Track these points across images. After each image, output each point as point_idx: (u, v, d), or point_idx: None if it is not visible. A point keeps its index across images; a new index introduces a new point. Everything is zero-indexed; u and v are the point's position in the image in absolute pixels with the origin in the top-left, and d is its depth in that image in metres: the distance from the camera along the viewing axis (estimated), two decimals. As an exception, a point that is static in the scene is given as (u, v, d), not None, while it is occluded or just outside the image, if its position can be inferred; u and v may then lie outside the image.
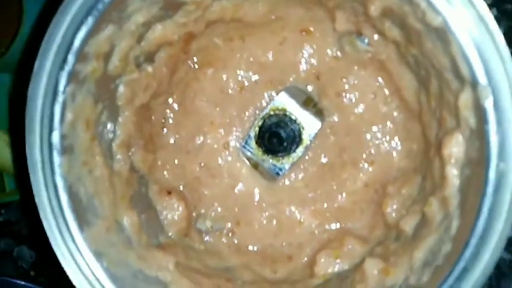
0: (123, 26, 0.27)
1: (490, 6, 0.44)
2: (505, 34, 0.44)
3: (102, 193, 0.28)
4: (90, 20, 0.24)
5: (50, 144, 0.26)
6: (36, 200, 0.26)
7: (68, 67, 0.25)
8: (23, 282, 0.44)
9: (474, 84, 0.23)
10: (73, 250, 0.26)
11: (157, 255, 0.30)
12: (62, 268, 0.26)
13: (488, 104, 0.23)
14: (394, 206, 0.32)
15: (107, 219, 0.28)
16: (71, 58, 0.25)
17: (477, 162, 0.24)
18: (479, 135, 0.24)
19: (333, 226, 0.35)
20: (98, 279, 0.26)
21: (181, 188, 0.35)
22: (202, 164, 0.36)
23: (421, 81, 0.31)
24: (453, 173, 0.25)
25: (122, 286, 0.27)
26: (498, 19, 0.44)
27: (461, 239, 0.24)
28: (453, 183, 0.26)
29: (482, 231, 0.23)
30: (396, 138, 0.34)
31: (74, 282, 0.26)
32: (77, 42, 0.25)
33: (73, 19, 0.24)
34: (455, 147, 0.25)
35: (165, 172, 0.35)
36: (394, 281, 0.27)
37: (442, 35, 0.24)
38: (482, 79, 0.23)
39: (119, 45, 0.28)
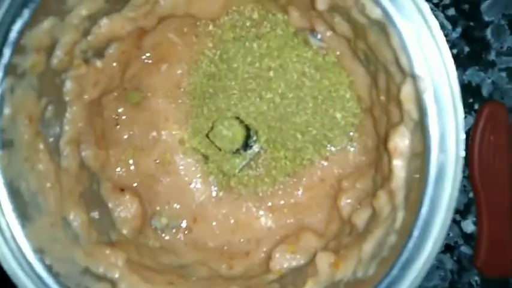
0: (65, 18, 0.26)
1: (449, 5, 0.45)
2: (462, 33, 0.45)
3: (47, 189, 0.28)
4: (25, 12, 0.24)
5: (-13, 139, 0.25)
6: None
7: (3, 60, 0.24)
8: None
9: (414, 76, 0.24)
10: (13, 248, 0.25)
11: (106, 252, 0.29)
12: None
13: (428, 96, 0.23)
14: (349, 200, 0.32)
15: (51, 215, 0.27)
16: (6, 51, 0.24)
17: (421, 155, 0.24)
18: (422, 127, 0.24)
19: (290, 221, 0.35)
20: (39, 278, 0.25)
21: (135, 185, 0.35)
22: (157, 161, 0.35)
23: (372, 76, 0.31)
24: (399, 166, 0.26)
25: (66, 284, 0.26)
26: (456, 18, 0.45)
27: (405, 230, 0.24)
28: (399, 177, 0.26)
29: (424, 222, 0.23)
30: (351, 134, 0.34)
31: (15, 282, 0.25)
32: (12, 35, 0.24)
33: (7, 11, 0.24)
34: (400, 140, 0.25)
35: (118, 169, 0.34)
36: (344, 274, 0.27)
37: (383, 27, 0.24)
38: (421, 72, 0.23)
39: (62, 38, 0.27)
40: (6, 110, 0.25)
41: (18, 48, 0.24)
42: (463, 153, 0.23)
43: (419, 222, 0.23)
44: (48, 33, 0.26)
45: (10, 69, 0.25)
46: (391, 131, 0.26)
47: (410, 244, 0.23)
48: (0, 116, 0.25)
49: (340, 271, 0.27)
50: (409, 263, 0.23)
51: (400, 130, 0.25)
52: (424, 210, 0.23)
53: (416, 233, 0.23)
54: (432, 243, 0.23)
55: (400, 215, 0.25)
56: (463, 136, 0.23)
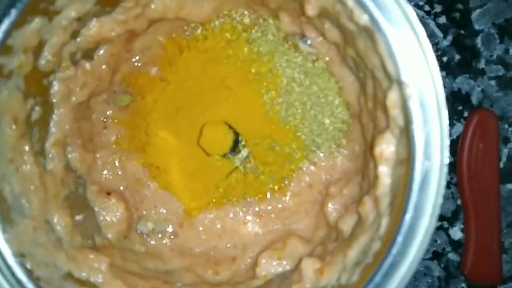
0: (53, 20, 0.26)
1: (440, 14, 0.45)
2: (453, 41, 0.45)
3: (31, 192, 0.27)
4: (13, 12, 0.24)
5: (-30, 140, 0.25)
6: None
7: (-11, 60, 0.24)
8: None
9: (400, 83, 0.24)
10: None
11: (89, 257, 0.29)
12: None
13: (413, 103, 0.23)
14: (336, 206, 0.32)
15: (34, 219, 0.27)
16: (-8, 51, 0.24)
17: (406, 161, 0.24)
18: (407, 134, 0.24)
19: (277, 227, 0.35)
20: (19, 282, 0.25)
21: (121, 189, 0.34)
22: (145, 165, 0.35)
23: (360, 83, 0.31)
24: (384, 172, 0.25)
25: (48, 288, 0.26)
26: (447, 26, 0.45)
27: (389, 236, 0.24)
28: (385, 183, 0.26)
29: (408, 229, 0.23)
30: (340, 140, 0.34)
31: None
32: (-1, 35, 0.24)
33: (-6, 10, 0.24)
34: (386, 147, 0.25)
35: (105, 172, 0.34)
36: (328, 280, 0.27)
37: (371, 34, 0.24)
38: (407, 78, 0.23)
39: (51, 39, 0.27)
40: (-10, 111, 0.25)
41: (5, 48, 0.24)
42: (447, 160, 0.23)
43: (403, 229, 0.23)
44: (36, 33, 0.26)
45: (-5, 69, 0.24)
46: (377, 137, 0.26)
47: (394, 250, 0.23)
48: (-15, 117, 0.25)
49: (325, 278, 0.27)
50: (392, 268, 0.23)
51: (386, 136, 0.25)
52: (408, 216, 0.23)
53: (400, 239, 0.23)
54: (416, 249, 0.23)
55: (385, 221, 0.25)
56: (447, 143, 0.23)
